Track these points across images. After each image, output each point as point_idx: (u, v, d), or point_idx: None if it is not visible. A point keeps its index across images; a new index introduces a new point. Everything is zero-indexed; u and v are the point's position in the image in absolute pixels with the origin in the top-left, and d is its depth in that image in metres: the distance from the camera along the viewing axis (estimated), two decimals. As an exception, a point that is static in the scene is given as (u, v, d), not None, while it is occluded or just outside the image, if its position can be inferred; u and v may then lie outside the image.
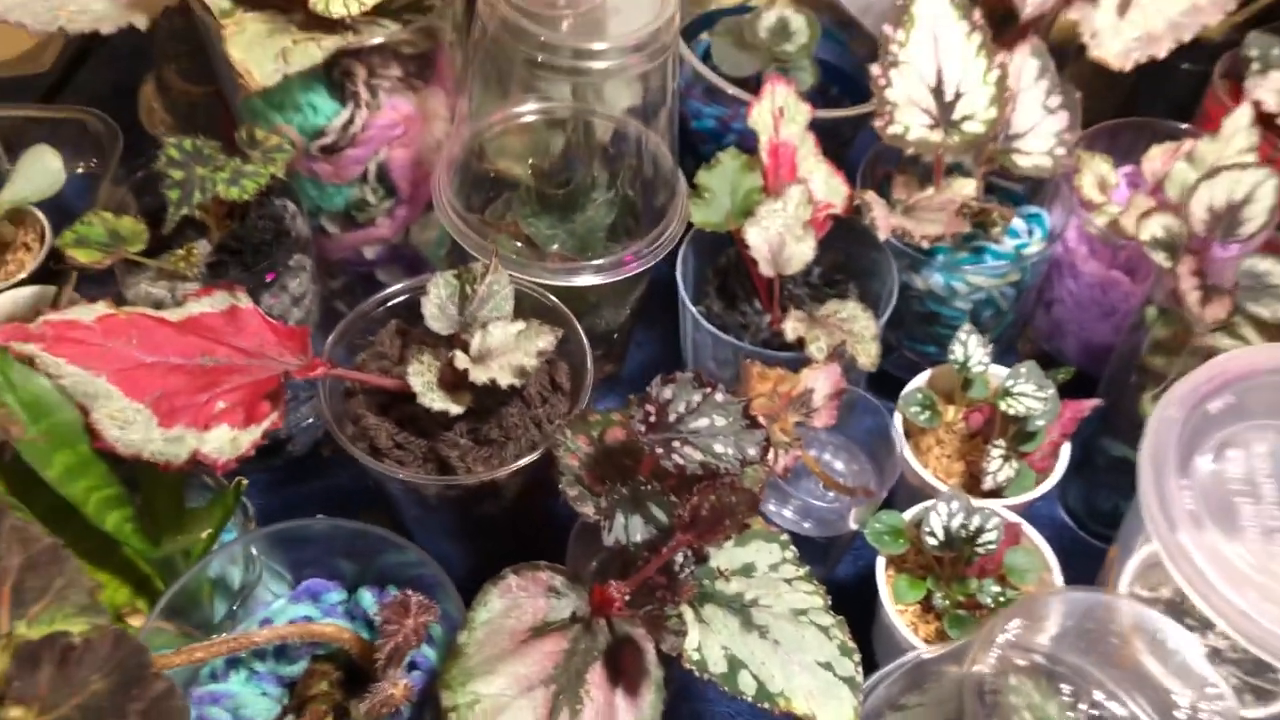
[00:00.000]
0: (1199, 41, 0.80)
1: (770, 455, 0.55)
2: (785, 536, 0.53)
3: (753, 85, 0.74)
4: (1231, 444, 0.53)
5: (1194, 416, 0.54)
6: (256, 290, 0.63)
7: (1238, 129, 0.68)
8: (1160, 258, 0.62)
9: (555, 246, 0.69)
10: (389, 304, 0.62)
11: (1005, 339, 0.75)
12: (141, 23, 0.67)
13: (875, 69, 0.66)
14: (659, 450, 0.48)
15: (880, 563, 0.61)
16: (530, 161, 0.70)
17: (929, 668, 0.50)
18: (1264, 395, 0.55)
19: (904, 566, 0.62)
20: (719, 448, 0.49)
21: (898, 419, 0.66)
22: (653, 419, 0.49)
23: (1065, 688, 0.42)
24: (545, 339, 0.56)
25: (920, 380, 0.68)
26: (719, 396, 0.50)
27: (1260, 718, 0.55)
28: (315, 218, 0.70)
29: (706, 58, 0.79)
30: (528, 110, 0.67)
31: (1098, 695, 0.42)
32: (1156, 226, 0.62)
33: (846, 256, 0.70)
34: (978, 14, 0.67)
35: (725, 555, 0.52)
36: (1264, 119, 0.73)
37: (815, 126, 0.70)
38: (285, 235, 0.66)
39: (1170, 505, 0.50)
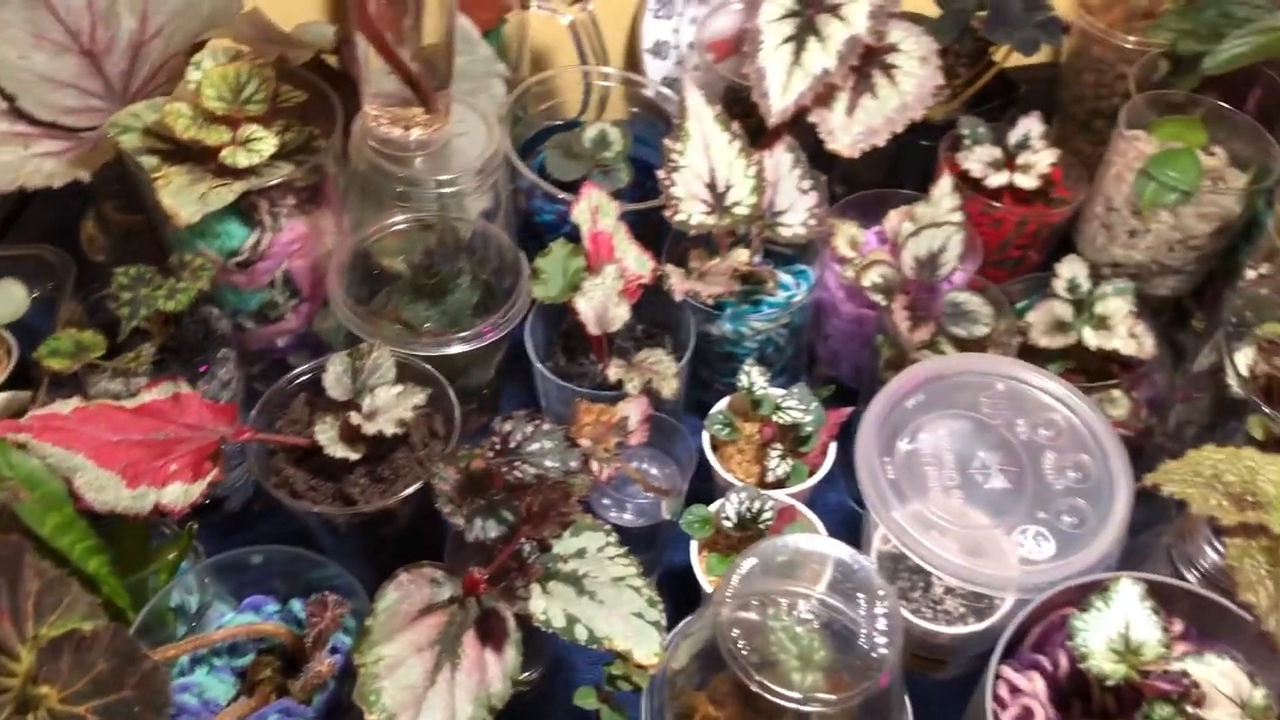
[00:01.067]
0: (930, 123, 1.02)
1: (594, 467, 0.74)
2: (609, 527, 0.71)
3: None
4: (922, 429, 0.74)
5: (895, 412, 0.74)
6: (193, 379, 0.81)
7: (943, 194, 0.90)
8: (879, 298, 0.82)
9: (429, 325, 0.88)
10: (298, 381, 0.79)
11: (791, 368, 0.95)
12: (85, 176, 0.85)
13: (661, 173, 0.86)
14: (503, 469, 0.67)
15: (694, 545, 0.80)
16: (403, 259, 0.89)
17: (706, 603, 0.69)
18: (945, 392, 0.75)
19: (715, 547, 0.81)
20: (548, 463, 0.68)
21: (706, 435, 0.86)
22: (498, 447, 0.68)
23: (782, 601, 0.61)
24: (417, 396, 0.74)
25: (722, 404, 0.88)
26: (545, 427, 0.68)
27: (979, 629, 0.75)
28: (235, 317, 0.88)
29: (544, 167, 0.98)
30: (399, 220, 0.86)
31: (803, 606, 0.61)
32: (875, 275, 0.83)
33: (660, 314, 0.90)
34: (736, 125, 0.88)
35: (564, 544, 0.70)
36: (973, 183, 0.96)
37: (631, 215, 0.90)
38: (213, 334, 0.83)
39: (878, 480, 0.70)
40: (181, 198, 0.77)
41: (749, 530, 0.78)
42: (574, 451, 0.68)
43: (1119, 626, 0.60)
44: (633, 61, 1.22)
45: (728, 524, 0.78)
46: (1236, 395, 0.74)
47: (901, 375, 0.75)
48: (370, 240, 0.86)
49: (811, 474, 0.84)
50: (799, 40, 0.89)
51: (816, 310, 0.96)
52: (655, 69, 1.20)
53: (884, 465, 0.71)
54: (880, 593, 0.61)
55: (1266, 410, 0.71)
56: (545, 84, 1.06)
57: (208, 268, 0.81)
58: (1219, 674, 0.58)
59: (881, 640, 0.60)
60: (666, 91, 1.05)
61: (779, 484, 0.83)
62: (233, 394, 0.84)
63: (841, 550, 0.62)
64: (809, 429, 0.84)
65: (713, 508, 0.80)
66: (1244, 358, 0.75)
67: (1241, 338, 0.77)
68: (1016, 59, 1.02)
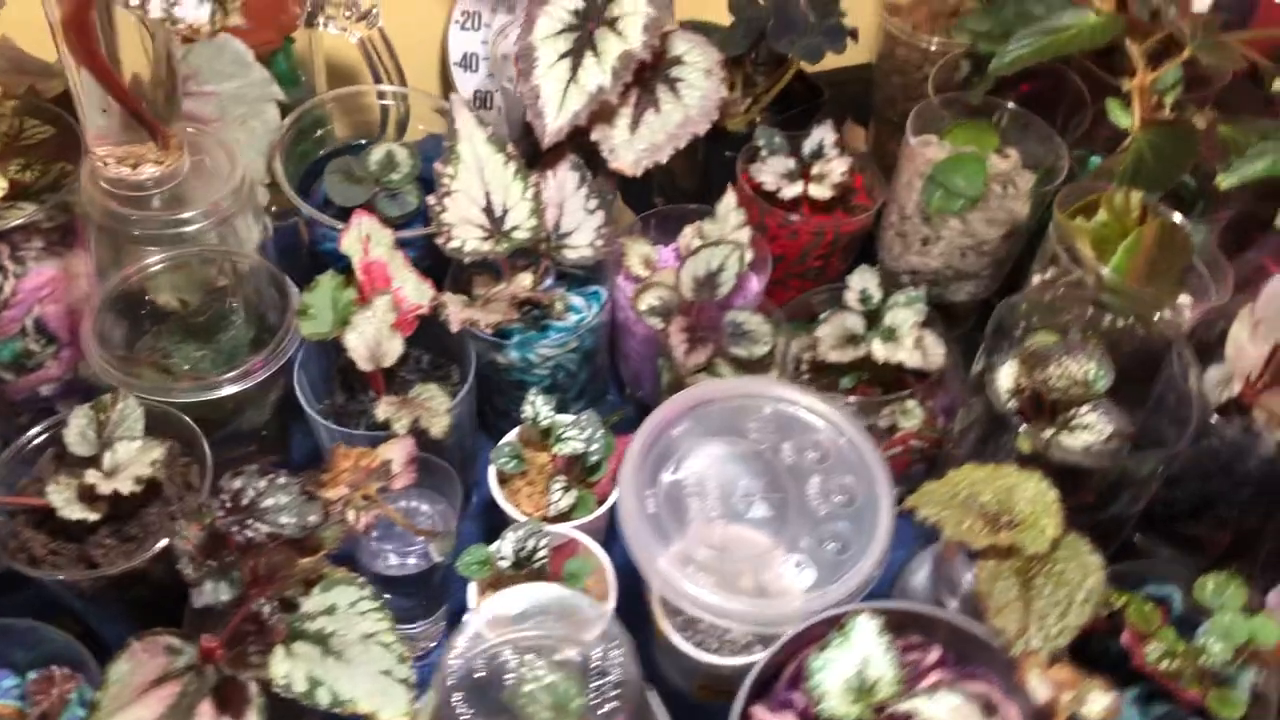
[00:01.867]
0: (732, 134, 1.01)
1: (351, 516, 0.71)
2: (361, 580, 0.68)
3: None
4: (687, 458, 0.72)
5: (661, 440, 0.72)
6: (-67, 439, 0.76)
7: (728, 210, 0.88)
8: (654, 322, 0.80)
9: (203, 365, 0.84)
10: (40, 438, 0.75)
11: (590, 391, 0.93)
12: None
13: (431, 199, 0.83)
14: (233, 529, 0.63)
15: (471, 586, 0.77)
16: (176, 296, 0.85)
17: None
18: (712, 418, 0.73)
19: (499, 586, 0.78)
20: (283, 519, 0.64)
21: (492, 469, 0.83)
22: (229, 504, 0.64)
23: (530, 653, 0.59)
24: (156, 452, 0.70)
25: (511, 435, 0.85)
26: (281, 480, 0.65)
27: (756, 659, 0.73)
28: (-11, 368, 0.83)
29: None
30: (171, 256, 0.81)
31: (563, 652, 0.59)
32: (652, 298, 0.81)
33: (446, 344, 0.87)
34: (511, 147, 0.85)
35: (314, 600, 0.67)
36: (768, 195, 0.94)
37: (417, 241, 0.87)
38: (-44, 389, 0.78)
39: (636, 519, 0.68)
40: (-101, 249, 0.72)
41: (526, 569, 0.75)
42: (313, 505, 0.65)
43: (856, 664, 0.59)
44: (446, 74, 1.18)
45: (504, 564, 0.75)
46: (1003, 407, 0.73)
47: (667, 403, 0.73)
48: (132, 280, 0.82)
49: (600, 503, 0.82)
50: (576, 56, 0.86)
51: (614, 330, 0.94)
52: (465, 82, 1.17)
53: (646, 500, 0.69)
54: (614, 639, 0.59)
55: (1020, 430, 0.70)
56: (342, 103, 1.02)
57: (-57, 320, 0.76)
58: (950, 710, 0.57)
59: (615, 690, 0.58)
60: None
61: (565, 516, 0.81)
62: (-15, 451, 0.80)
63: (567, 597, 0.59)
64: (595, 457, 0.82)
65: (492, 546, 0.77)
66: (1009, 371, 0.74)
67: (1008, 349, 0.76)
68: (831, 61, 1.00)
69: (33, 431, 0.75)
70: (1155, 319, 0.78)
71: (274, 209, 0.98)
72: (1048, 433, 0.71)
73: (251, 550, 0.63)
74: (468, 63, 1.16)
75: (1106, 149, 0.95)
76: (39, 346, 0.83)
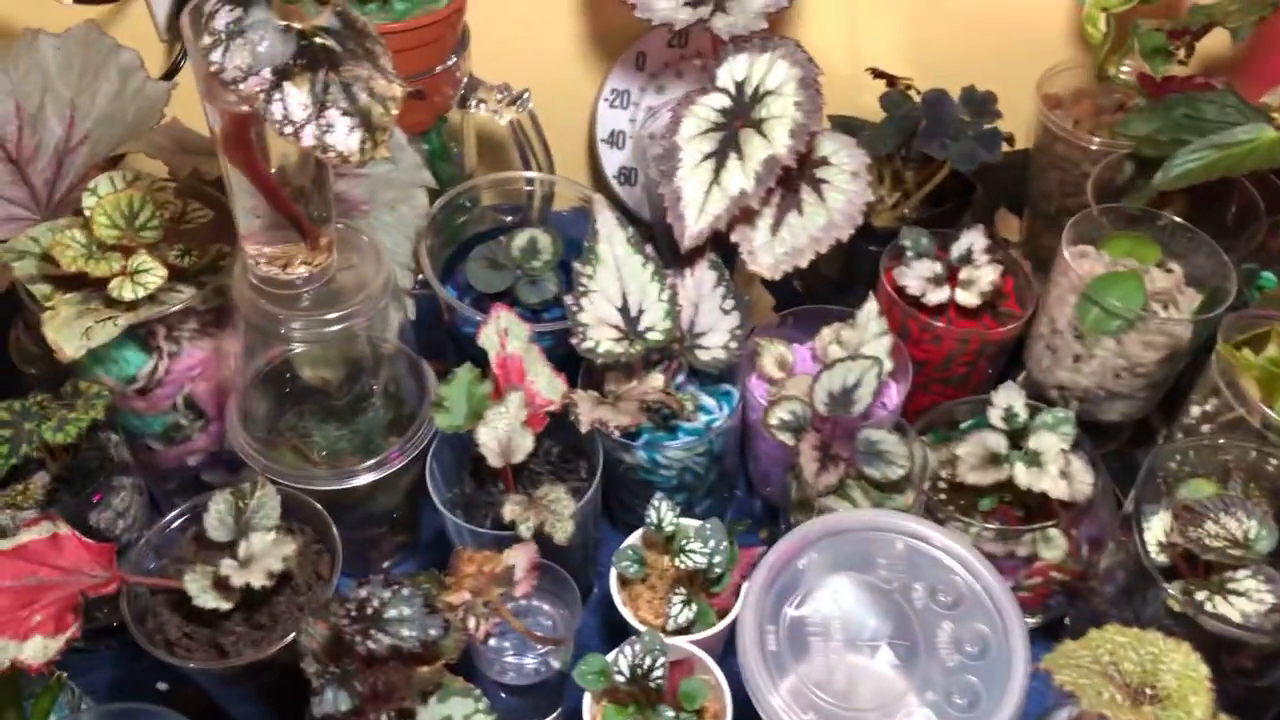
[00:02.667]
0: (875, 229, 0.98)
1: (472, 624, 0.71)
2: (478, 693, 0.68)
3: (506, 297, 0.92)
4: (813, 593, 0.70)
5: (785, 573, 0.70)
6: (86, 509, 0.80)
7: (869, 318, 0.86)
8: (785, 438, 0.79)
9: (343, 446, 0.86)
10: (180, 519, 0.77)
11: (717, 491, 0.92)
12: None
13: (569, 299, 0.83)
14: (357, 639, 0.64)
15: (586, 698, 0.76)
16: (320, 375, 0.87)
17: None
18: (840, 550, 0.71)
19: (615, 697, 0.77)
20: (405, 632, 0.65)
21: (614, 573, 0.82)
22: (353, 613, 0.65)
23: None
24: (289, 547, 0.72)
25: (634, 538, 0.84)
26: (405, 591, 0.66)
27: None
28: (141, 439, 0.87)
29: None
30: (288, 350, 0.83)
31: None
32: (783, 412, 0.79)
33: (576, 438, 0.87)
34: (649, 248, 0.84)
35: (429, 712, 0.68)
36: (912, 298, 0.91)
37: (551, 333, 0.87)
38: (109, 461, 0.82)
39: (756, 655, 0.66)
40: (66, 332, 0.76)
41: (642, 686, 0.74)
42: (435, 618, 0.65)
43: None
44: (594, 149, 1.19)
45: (620, 678, 0.74)
46: (1151, 564, 0.69)
47: (793, 534, 0.71)
48: (277, 361, 0.84)
49: (721, 617, 0.80)
50: (720, 157, 0.86)
51: (745, 429, 0.92)
52: (611, 158, 1.18)
53: (766, 635, 0.67)
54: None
55: (1170, 591, 0.66)
56: (490, 185, 1.03)
57: (102, 396, 0.79)
58: None
59: None
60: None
61: (684, 630, 0.80)
62: (131, 521, 0.83)
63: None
64: (719, 570, 0.81)
65: (610, 656, 0.77)
66: (1160, 523, 0.70)
67: (1161, 495, 0.72)
68: None
69: (175, 512, 0.77)
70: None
71: (420, 279, 1.00)
72: (1201, 595, 0.66)
73: (374, 663, 0.64)
74: (615, 140, 1.16)
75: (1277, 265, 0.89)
76: (188, 421, 0.86)
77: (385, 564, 0.93)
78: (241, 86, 0.59)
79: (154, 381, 0.82)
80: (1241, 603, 0.65)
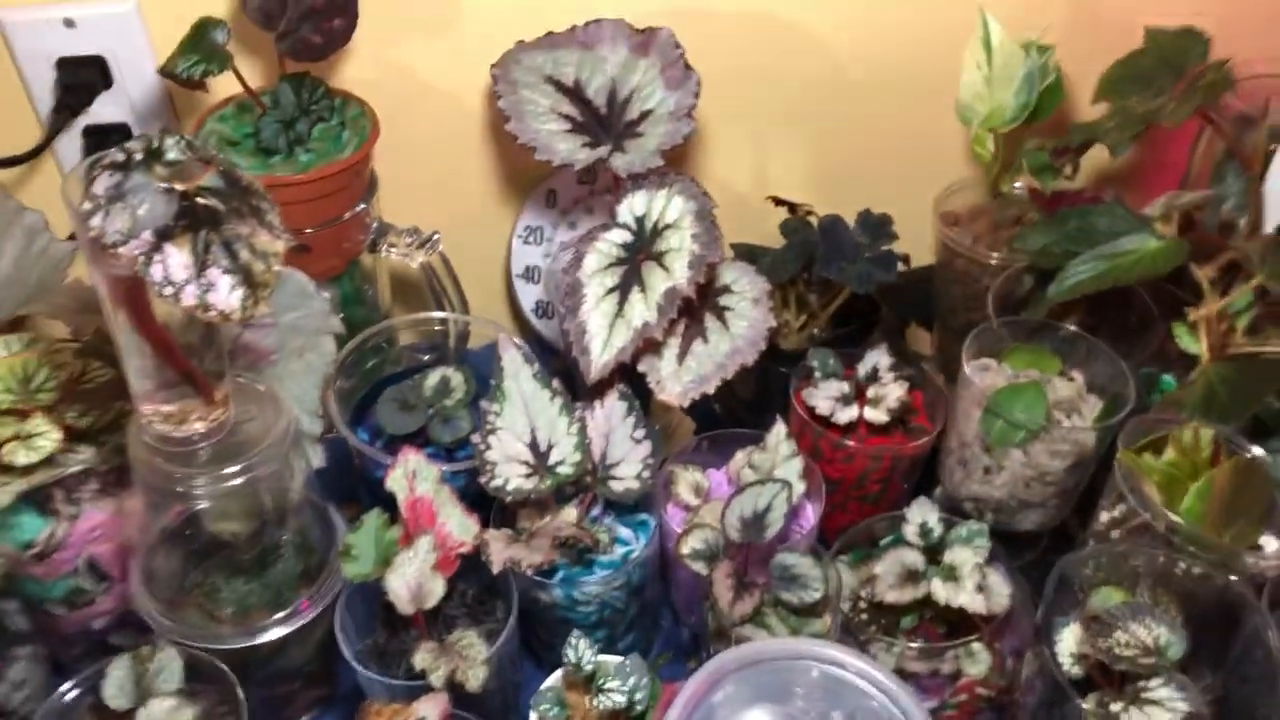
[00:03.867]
0: (784, 352, 0.99)
1: (381, 782, 0.69)
2: None
3: (419, 438, 0.92)
4: (729, 728, 0.68)
5: (701, 708, 0.69)
6: (-20, 684, 0.77)
7: (779, 440, 0.86)
8: (698, 566, 0.78)
9: (252, 600, 0.84)
10: (74, 691, 0.75)
11: (640, 623, 0.90)
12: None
13: (475, 437, 0.83)
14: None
15: None
16: (230, 529, 0.85)
17: None
18: (755, 681, 0.70)
19: None
20: (305, 796, 0.62)
21: (534, 717, 0.80)
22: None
23: None
24: (187, 714, 0.70)
25: (553, 679, 0.82)
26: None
27: None
28: (42, 604, 0.84)
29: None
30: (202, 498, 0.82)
31: None
32: (696, 541, 0.79)
33: (491, 578, 0.85)
34: (556, 382, 0.85)
35: None
36: (823, 420, 0.92)
37: (463, 473, 0.86)
38: (5, 631, 0.79)
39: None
40: (-45, 501, 0.74)
41: (562, 834, 0.72)
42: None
43: None
44: (510, 285, 1.20)
45: (539, 829, 0.72)
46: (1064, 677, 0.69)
47: (707, 666, 0.70)
48: (180, 519, 0.82)
49: (644, 757, 0.78)
50: (624, 290, 0.87)
51: (664, 558, 0.91)
52: (527, 294, 1.19)
53: (682, 775, 0.65)
54: None
55: (1084, 705, 0.66)
56: (405, 326, 1.04)
57: (-2, 565, 0.77)
58: None
59: None
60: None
61: (606, 772, 0.77)
62: (30, 691, 0.80)
63: None
64: (640, 707, 0.79)
65: (531, 806, 0.74)
66: (1071, 634, 0.70)
67: (1071, 608, 0.72)
68: None
69: (70, 683, 0.75)
70: (1233, 568, 0.73)
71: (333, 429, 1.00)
72: (1116, 707, 0.66)
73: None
74: (530, 275, 1.18)
75: (1181, 367, 0.91)
76: (91, 584, 0.84)
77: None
78: (122, 250, 0.59)
79: (52, 546, 0.80)
80: (1157, 713, 0.65)
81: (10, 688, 0.78)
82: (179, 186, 0.61)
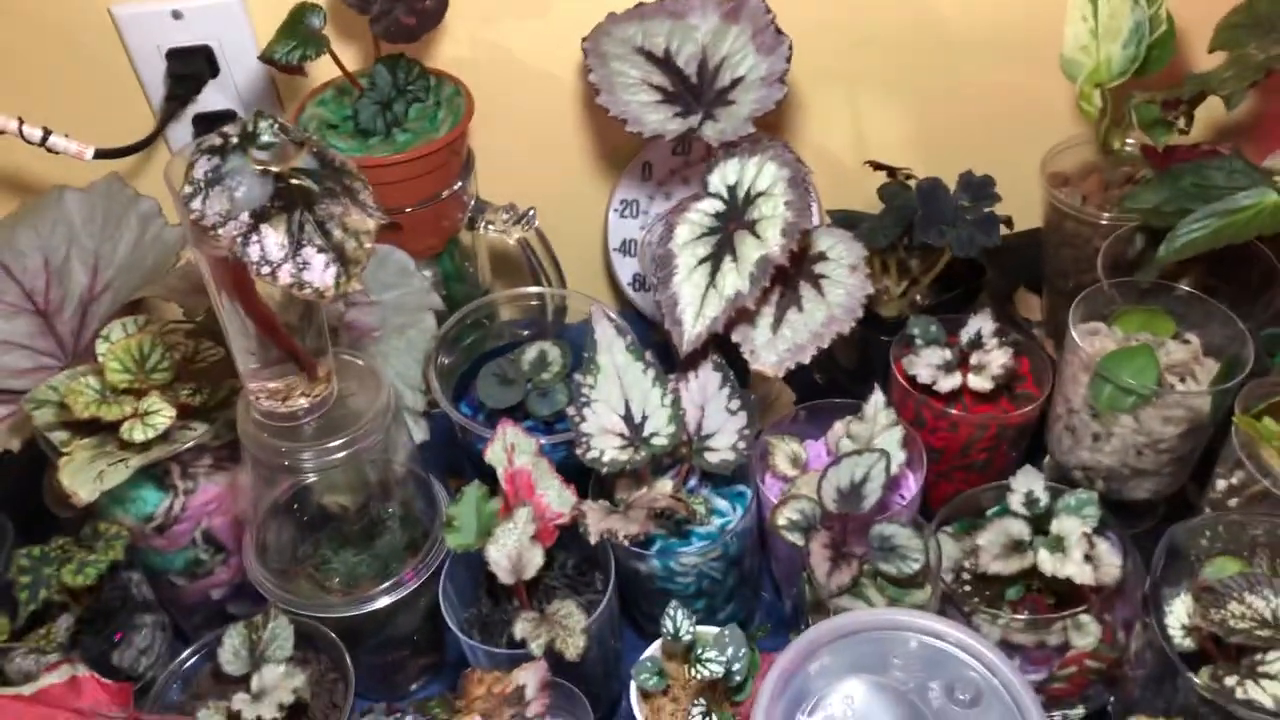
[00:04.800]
0: (886, 320, 0.98)
1: (484, 748, 0.70)
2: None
3: (518, 411, 0.93)
4: (826, 698, 0.68)
5: (797, 678, 0.68)
6: (108, 649, 0.81)
7: (877, 409, 0.85)
8: (795, 538, 0.77)
9: (361, 571, 0.86)
10: (196, 655, 0.78)
11: (740, 594, 0.90)
12: (15, 445, 0.86)
13: (570, 410, 0.83)
14: (360, 770, 0.64)
15: (608, 817, 0.75)
16: (338, 501, 0.88)
17: None
18: (853, 652, 0.69)
19: (638, 815, 0.76)
20: (409, 760, 0.64)
21: (633, 686, 0.81)
22: (359, 744, 0.65)
23: None
24: (299, 679, 0.72)
25: (653, 649, 0.83)
26: (407, 718, 0.65)
27: None
28: (164, 575, 0.88)
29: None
30: (301, 480, 0.84)
31: None
32: (792, 512, 0.78)
33: (592, 550, 0.86)
34: (649, 354, 0.85)
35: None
36: (923, 388, 0.90)
37: (562, 445, 0.87)
38: (130, 600, 0.83)
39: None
40: (80, 477, 0.78)
41: (662, 802, 0.73)
42: (440, 745, 0.65)
43: None
44: (608, 258, 1.21)
45: (639, 796, 0.73)
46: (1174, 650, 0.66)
47: (802, 638, 0.69)
48: (290, 493, 0.85)
49: (742, 727, 0.78)
50: (715, 261, 0.86)
51: (764, 532, 0.91)
52: (624, 268, 1.19)
53: (778, 745, 0.65)
54: None
55: (1194, 679, 0.63)
56: (506, 301, 1.05)
57: (120, 537, 0.81)
58: None
59: None
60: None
61: (705, 741, 0.78)
62: (155, 659, 0.84)
63: None
64: (739, 677, 0.79)
65: (631, 773, 0.75)
66: (1182, 605, 0.67)
67: (1183, 578, 0.69)
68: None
69: (190, 649, 0.78)
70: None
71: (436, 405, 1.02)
72: (1230, 680, 0.63)
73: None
74: (626, 248, 1.18)
75: (1305, 328, 0.87)
76: (208, 555, 0.87)
77: (412, 687, 0.93)
78: (220, 232, 0.61)
79: (171, 519, 0.84)
80: (1275, 686, 0.62)
81: (136, 653, 0.82)
82: (274, 169, 0.62)
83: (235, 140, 0.62)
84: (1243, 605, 0.64)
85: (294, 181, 0.63)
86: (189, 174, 0.62)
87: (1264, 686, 0.62)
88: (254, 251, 0.61)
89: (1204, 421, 0.82)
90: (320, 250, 0.62)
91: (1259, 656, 0.63)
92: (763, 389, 1.05)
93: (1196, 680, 0.63)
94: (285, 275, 0.61)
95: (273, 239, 0.61)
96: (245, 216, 0.61)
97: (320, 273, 0.61)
